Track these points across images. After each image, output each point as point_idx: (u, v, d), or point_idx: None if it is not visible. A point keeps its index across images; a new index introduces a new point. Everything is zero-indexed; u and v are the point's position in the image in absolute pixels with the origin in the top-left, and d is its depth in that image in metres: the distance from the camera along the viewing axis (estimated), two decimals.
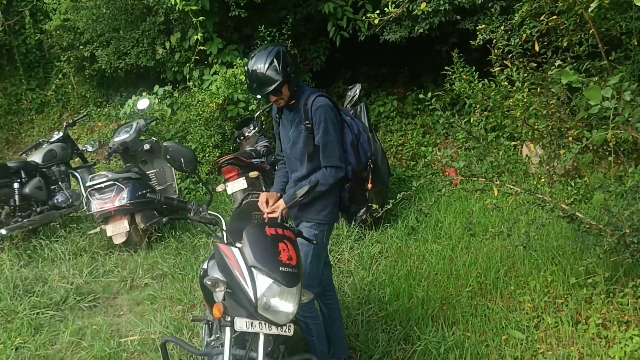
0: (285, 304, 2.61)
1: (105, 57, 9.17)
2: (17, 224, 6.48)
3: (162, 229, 6.49)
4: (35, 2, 10.72)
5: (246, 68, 3.32)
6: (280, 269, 2.59)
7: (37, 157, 7.13)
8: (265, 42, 8.12)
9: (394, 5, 3.29)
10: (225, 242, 2.83)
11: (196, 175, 3.23)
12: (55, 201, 7.03)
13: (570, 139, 4.21)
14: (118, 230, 6.15)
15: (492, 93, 4.22)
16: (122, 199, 6.15)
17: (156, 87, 8.94)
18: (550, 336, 3.83)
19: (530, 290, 4.39)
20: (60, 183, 7.22)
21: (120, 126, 7.48)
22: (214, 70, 8.23)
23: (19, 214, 6.60)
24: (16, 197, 6.61)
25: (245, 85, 7.63)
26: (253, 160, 6.67)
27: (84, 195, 6.69)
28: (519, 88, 4.22)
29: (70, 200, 7.10)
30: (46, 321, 4.71)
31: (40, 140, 7.62)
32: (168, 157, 3.08)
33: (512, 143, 4.75)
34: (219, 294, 2.74)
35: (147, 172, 7.06)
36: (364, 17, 3.77)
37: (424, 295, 4.48)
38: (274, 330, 2.65)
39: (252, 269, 2.60)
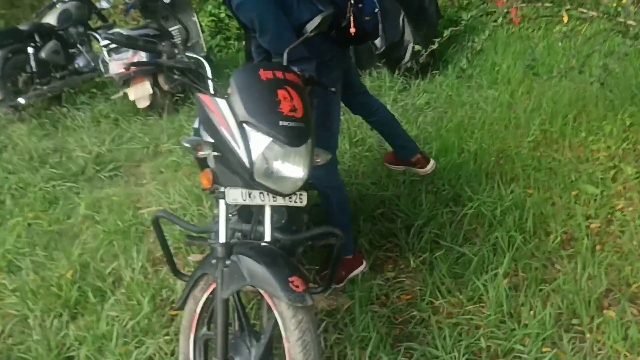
0: (292, 168, 2.00)
1: None
2: (36, 91, 6.06)
3: (187, 89, 5.94)
4: None
5: None
6: (281, 123, 1.95)
7: (51, 19, 6.58)
8: None
9: None
10: (212, 91, 2.21)
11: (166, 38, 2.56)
12: (76, 65, 6.57)
13: None
14: (141, 93, 5.64)
15: None
16: (140, 59, 5.57)
17: None
18: (630, 189, 3.20)
19: (605, 136, 3.70)
20: (79, 46, 6.70)
21: None
22: None
23: (38, 81, 6.15)
24: (32, 62, 6.14)
25: None
26: None
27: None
28: None
29: (92, 64, 6.60)
30: (62, 194, 4.34)
31: (53, 1, 6.99)
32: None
33: None
34: (208, 160, 2.16)
35: (170, 29, 6.39)
36: None
37: (477, 149, 3.83)
38: (280, 201, 2.10)
39: (244, 124, 1.99)
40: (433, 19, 5.97)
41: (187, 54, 2.31)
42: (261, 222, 2.14)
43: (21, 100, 5.85)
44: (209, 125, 2.08)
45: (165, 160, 4.77)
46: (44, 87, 6.14)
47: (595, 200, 3.18)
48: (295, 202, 2.12)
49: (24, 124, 5.71)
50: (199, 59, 2.25)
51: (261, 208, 2.13)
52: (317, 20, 2.35)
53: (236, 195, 2.04)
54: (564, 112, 4.02)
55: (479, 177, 3.54)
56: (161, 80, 5.79)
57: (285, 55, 2.30)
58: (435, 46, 3.60)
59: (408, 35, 5.43)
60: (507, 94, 4.55)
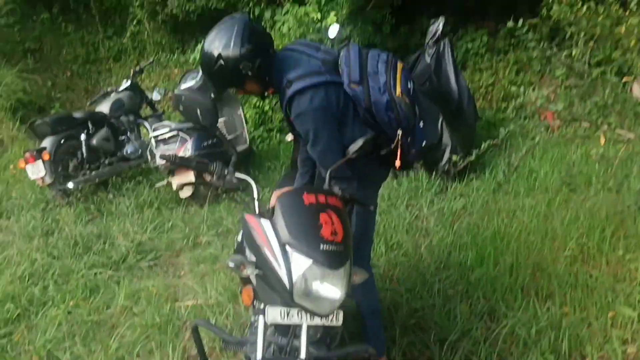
0: (330, 289, 2.09)
1: (176, 1, 8.80)
2: (84, 177, 6.30)
3: None
4: None
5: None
6: (322, 246, 2.07)
7: (104, 107, 6.91)
8: None
9: None
10: (257, 211, 2.32)
11: (212, 132, 2.71)
12: (124, 152, 6.81)
13: None
14: (184, 182, 5.84)
15: (600, 19, 3.45)
16: (186, 150, 5.81)
17: None
18: None
19: None
20: (129, 133, 6.98)
21: (188, 72, 7.10)
22: (285, 10, 7.66)
23: (87, 166, 6.42)
24: (83, 149, 6.42)
25: (318, 25, 7.06)
26: None
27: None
28: (632, 12, 3.43)
29: (140, 152, 6.86)
30: (102, 282, 4.46)
31: (108, 90, 7.36)
32: (181, 108, 2.59)
33: (625, 79, 3.95)
34: (250, 277, 2.25)
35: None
36: None
37: (512, 261, 3.85)
38: (317, 321, 2.16)
39: (286, 246, 2.09)
40: (471, 121, 6.11)
41: (237, 175, 2.44)
42: (297, 337, 2.20)
43: (70, 185, 6.09)
44: (252, 244, 2.19)
45: (204, 252, 4.88)
46: (93, 173, 6.38)
47: (632, 323, 3.15)
48: (331, 321, 2.18)
49: (71, 208, 5.92)
50: (248, 180, 2.38)
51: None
52: (359, 142, 2.47)
53: (275, 314, 2.12)
54: (602, 226, 4.02)
55: (515, 292, 3.54)
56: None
57: (327, 174, 2.43)
58: (472, 158, 3.72)
59: (446, 138, 5.56)
60: (544, 204, 4.57)
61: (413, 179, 5.56)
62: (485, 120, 6.88)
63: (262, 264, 2.14)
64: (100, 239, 5.16)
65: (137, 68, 7.47)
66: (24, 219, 5.68)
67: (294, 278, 2.06)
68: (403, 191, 5.32)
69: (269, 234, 2.14)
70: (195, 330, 2.41)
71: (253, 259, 2.21)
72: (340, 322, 2.20)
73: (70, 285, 4.40)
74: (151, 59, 8.92)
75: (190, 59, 8.40)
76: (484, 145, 3.60)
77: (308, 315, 2.14)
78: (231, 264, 2.19)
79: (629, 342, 3.05)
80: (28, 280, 4.48)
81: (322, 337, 2.36)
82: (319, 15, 7.10)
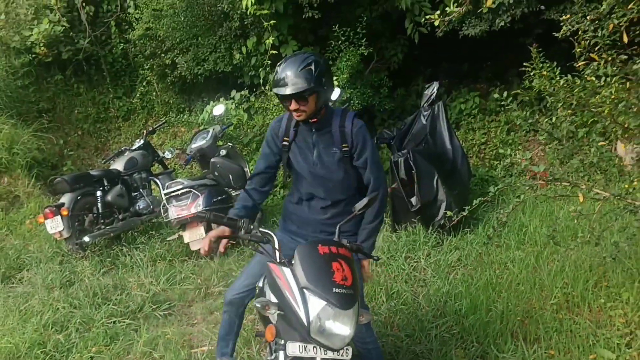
0: (341, 327, 2.46)
1: (185, 64, 9.31)
2: (99, 231, 6.65)
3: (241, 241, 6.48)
4: (120, 13, 11.04)
5: (281, 62, 3.02)
6: (334, 290, 2.44)
7: (119, 165, 7.31)
8: (340, 42, 7.98)
9: (455, 5, 3.04)
10: (278, 260, 2.70)
11: (245, 190, 3.10)
12: (137, 208, 7.18)
13: None
14: (195, 237, 6.19)
15: (576, 90, 3.88)
16: (198, 205, 6.19)
17: (233, 92, 8.98)
18: None
19: (623, 302, 4.03)
20: (141, 190, 7.36)
21: (198, 132, 7.55)
22: None
23: (102, 221, 6.78)
24: (99, 204, 6.80)
25: None
26: None
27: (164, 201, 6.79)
28: (608, 83, 3.86)
29: (151, 207, 7.23)
30: (122, 330, 4.76)
31: (122, 149, 7.81)
32: (216, 173, 2.99)
33: (601, 143, 4.36)
34: (271, 317, 2.61)
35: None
36: (426, 18, 3.50)
37: (503, 308, 4.19)
38: (330, 355, 2.51)
39: (304, 290, 2.47)
40: (465, 179, 6.53)
41: (261, 229, 2.80)
42: None
43: (86, 239, 6.43)
44: (275, 289, 2.57)
45: (216, 301, 5.20)
46: (108, 227, 6.73)
47: None
48: (342, 355, 2.53)
49: (87, 260, 6.24)
50: (269, 233, 2.76)
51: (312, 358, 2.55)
52: (364, 201, 2.86)
53: (294, 348, 2.48)
54: (585, 277, 4.39)
55: (505, 336, 3.87)
56: (214, 225, 6.35)
57: (337, 230, 2.81)
58: (465, 213, 4.10)
59: (442, 195, 5.96)
60: (533, 256, 4.93)
61: (411, 233, 5.91)
62: (479, 177, 7.30)
63: (284, 305, 2.51)
64: (117, 289, 5.46)
65: (150, 128, 7.95)
66: (42, 271, 5.98)
67: (311, 317, 2.42)
68: (402, 244, 5.67)
69: (289, 279, 2.52)
70: None
71: (275, 301, 2.57)
72: (349, 357, 2.55)
73: (92, 333, 4.69)
74: (163, 120, 9.41)
75: (198, 119, 8.83)
76: (475, 202, 3.97)
77: (322, 349, 2.49)
78: (257, 305, 2.56)
79: None
80: (52, 328, 4.76)
81: None
82: None
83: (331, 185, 3.20)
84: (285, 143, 3.22)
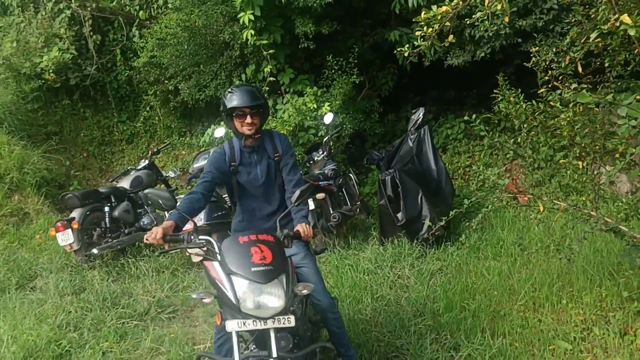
0: (270, 298, 2.93)
1: (187, 90, 9.83)
2: (107, 244, 7.11)
3: None
4: (125, 42, 11.64)
5: (232, 88, 3.71)
6: (253, 269, 2.93)
7: (125, 183, 7.79)
8: (334, 70, 8.54)
9: (422, 40, 3.56)
10: (218, 259, 3.15)
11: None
12: (142, 223, 7.63)
13: (617, 155, 4.32)
14: (195, 249, 6.63)
15: (537, 113, 4.40)
16: (199, 220, 6.64)
17: None
18: (596, 346, 3.96)
19: (583, 304, 4.49)
20: (145, 207, 7.83)
21: (199, 153, 8.05)
22: (286, 100, 8.68)
23: (109, 235, 7.25)
24: (107, 219, 7.27)
25: (314, 113, 8.04)
26: (320, 182, 7.03)
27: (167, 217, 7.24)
28: (567, 108, 4.38)
29: (155, 222, 7.68)
30: (130, 330, 5.20)
31: (128, 168, 8.31)
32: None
33: (563, 161, 4.85)
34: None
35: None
36: (397, 50, 4.02)
37: (476, 308, 4.66)
38: (270, 324, 2.94)
39: (230, 275, 2.97)
40: (448, 197, 7.02)
41: (200, 237, 3.29)
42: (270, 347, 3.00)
43: (95, 251, 6.89)
44: (212, 281, 3.16)
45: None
46: (114, 241, 7.20)
47: (567, 353, 3.94)
48: (283, 323, 2.98)
49: (95, 270, 6.69)
50: (207, 239, 3.27)
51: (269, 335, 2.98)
52: (296, 194, 3.40)
53: (233, 324, 2.96)
54: (551, 282, 4.86)
55: (475, 331, 4.35)
56: (214, 238, 6.81)
57: (277, 221, 3.39)
58: (442, 223, 4.59)
59: (425, 210, 6.44)
60: (507, 265, 5.41)
61: (397, 245, 6.37)
62: (463, 196, 7.77)
63: (220, 293, 3.07)
64: (125, 295, 5.92)
65: (155, 149, 8.45)
66: (54, 280, 6.42)
67: (238, 295, 2.93)
68: (388, 256, 6.14)
69: (218, 270, 3.08)
70: None
71: (214, 291, 3.12)
72: (292, 323, 2.98)
73: (103, 332, 5.13)
74: (167, 142, 9.93)
75: (200, 141, 9.34)
76: (451, 213, 4.47)
77: (261, 321, 2.94)
78: (194, 297, 3.13)
79: None
80: (66, 328, 5.21)
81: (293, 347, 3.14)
82: (315, 105, 8.10)
83: (271, 196, 3.83)
84: (233, 167, 3.77)
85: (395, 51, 4.24)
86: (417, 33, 3.54)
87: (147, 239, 3.19)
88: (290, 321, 2.98)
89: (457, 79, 9.47)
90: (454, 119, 9.54)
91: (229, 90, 3.69)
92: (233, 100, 3.60)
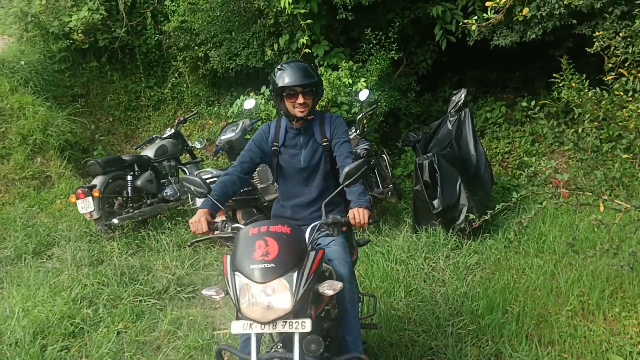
0: (269, 300, 2.51)
1: (218, 58, 9.49)
2: (128, 214, 6.86)
3: None
4: (156, 5, 11.30)
5: (283, 65, 3.33)
6: (251, 266, 2.54)
7: (149, 152, 7.52)
8: (371, 45, 8.12)
9: (493, 11, 3.16)
10: None
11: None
12: (165, 194, 7.38)
13: None
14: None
15: (604, 102, 3.99)
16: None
17: (263, 88, 9.12)
18: None
19: (638, 313, 4.12)
20: (169, 177, 7.57)
21: (227, 125, 7.72)
22: (320, 74, 8.30)
23: (131, 205, 6.99)
24: (129, 188, 7.01)
25: (349, 89, 7.67)
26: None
27: None
28: (636, 98, 3.97)
29: (178, 194, 7.43)
30: (147, 309, 4.94)
31: (153, 136, 8.02)
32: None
33: (624, 156, 4.45)
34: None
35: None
36: (463, 23, 3.61)
37: (519, 311, 4.31)
38: (280, 329, 2.55)
39: (234, 272, 2.61)
40: (487, 186, 6.64)
41: (234, 225, 3.04)
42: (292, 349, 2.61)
43: (115, 221, 6.64)
44: (224, 275, 2.72)
45: None
46: (136, 211, 6.94)
47: None
48: (296, 328, 2.56)
49: (115, 241, 6.44)
50: (240, 227, 2.94)
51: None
52: (344, 172, 2.96)
53: (238, 326, 2.57)
54: (602, 287, 4.49)
55: (520, 338, 3.99)
56: (239, 215, 6.53)
57: (323, 208, 2.99)
58: (487, 217, 4.22)
59: (463, 199, 6.07)
60: (551, 264, 5.04)
61: (431, 234, 6.03)
62: (500, 185, 7.41)
63: (227, 290, 2.64)
64: (143, 270, 5.66)
65: (181, 118, 8.14)
66: (72, 249, 6.19)
67: (238, 294, 2.53)
68: (422, 245, 5.79)
69: (228, 266, 2.68)
70: (218, 354, 2.85)
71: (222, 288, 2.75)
72: (307, 329, 2.55)
73: (119, 309, 4.87)
74: (195, 111, 9.61)
75: (228, 112, 9.01)
76: (498, 207, 4.08)
77: (269, 325, 2.52)
78: (204, 293, 2.78)
79: None
80: (80, 302, 4.96)
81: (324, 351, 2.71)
82: (350, 80, 7.72)
83: (313, 182, 3.45)
84: (275, 148, 3.43)
85: (461, 23, 3.84)
86: (488, 3, 3.13)
87: (194, 231, 3.05)
88: (304, 326, 2.56)
89: (499, 60, 8.99)
90: (494, 101, 9.11)
91: (279, 66, 3.30)
92: (284, 77, 3.23)
